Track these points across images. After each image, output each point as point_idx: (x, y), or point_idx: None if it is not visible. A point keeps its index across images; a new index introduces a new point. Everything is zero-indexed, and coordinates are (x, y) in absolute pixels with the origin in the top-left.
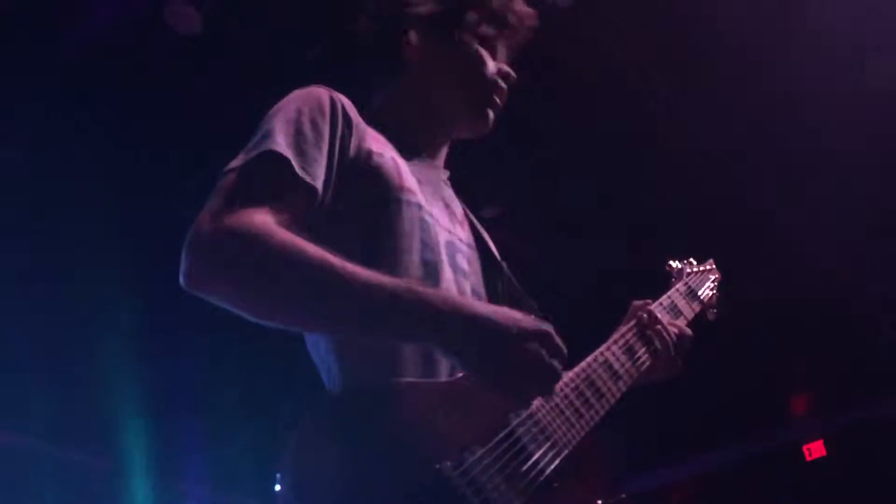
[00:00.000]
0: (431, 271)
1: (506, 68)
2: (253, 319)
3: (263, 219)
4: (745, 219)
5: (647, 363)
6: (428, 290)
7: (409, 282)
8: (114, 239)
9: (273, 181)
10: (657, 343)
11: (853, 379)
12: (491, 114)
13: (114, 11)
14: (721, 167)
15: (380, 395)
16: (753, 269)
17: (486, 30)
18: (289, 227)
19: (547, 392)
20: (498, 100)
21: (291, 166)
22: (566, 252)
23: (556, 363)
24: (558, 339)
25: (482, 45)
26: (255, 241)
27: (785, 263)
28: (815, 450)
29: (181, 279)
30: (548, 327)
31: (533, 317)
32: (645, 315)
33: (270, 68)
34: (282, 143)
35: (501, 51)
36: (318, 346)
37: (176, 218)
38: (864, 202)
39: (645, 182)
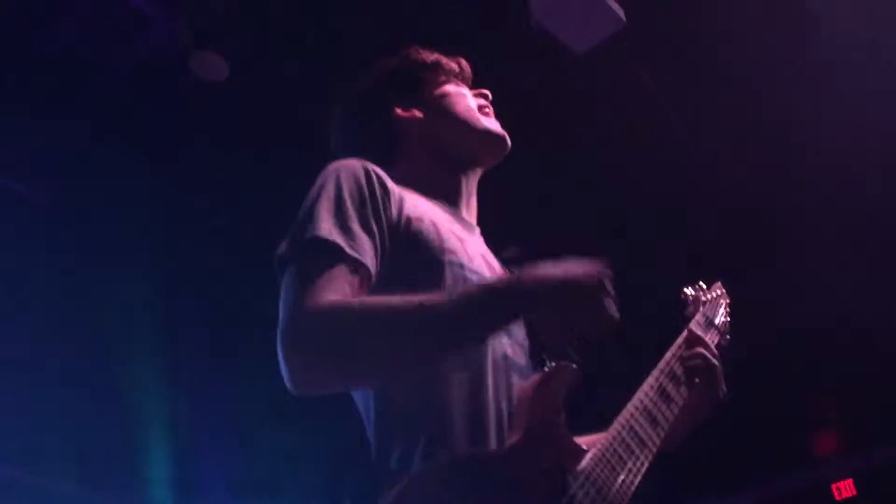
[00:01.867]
0: None
1: (479, 91)
2: (367, 386)
3: (337, 297)
4: (771, 254)
5: (683, 400)
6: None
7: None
8: (142, 281)
9: (330, 267)
10: (690, 377)
11: (883, 416)
12: (501, 132)
13: (141, 58)
14: (747, 200)
15: (452, 470)
16: (780, 304)
17: (444, 79)
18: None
19: (615, 317)
20: (494, 116)
21: (342, 249)
22: None
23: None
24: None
25: (454, 85)
26: (341, 314)
27: (812, 299)
28: (844, 489)
29: (289, 386)
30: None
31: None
32: (672, 356)
33: (296, 116)
34: (327, 229)
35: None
36: (382, 420)
37: (204, 259)
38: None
39: (667, 216)
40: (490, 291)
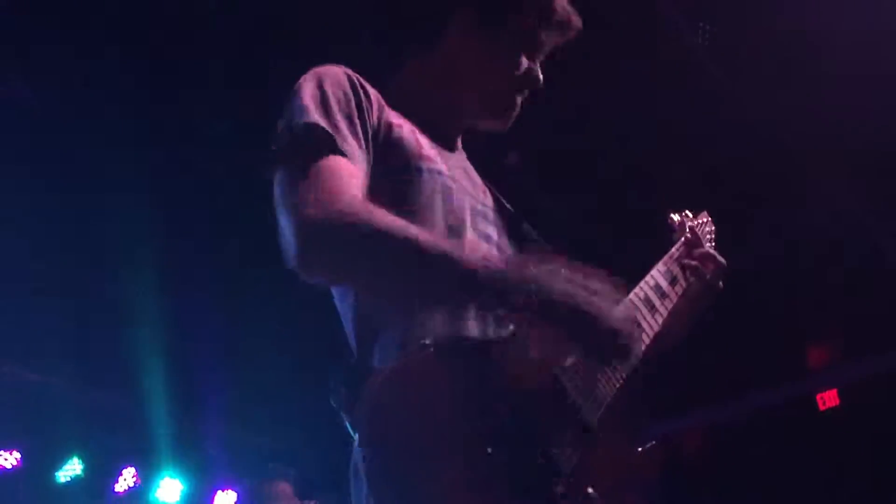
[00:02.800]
0: (455, 236)
1: (536, 75)
2: (353, 289)
3: (357, 198)
4: (768, 164)
5: (675, 298)
6: (534, 269)
7: (516, 259)
8: (136, 178)
9: (331, 158)
10: (682, 280)
11: (869, 329)
12: (511, 116)
13: None
14: (746, 112)
15: (446, 354)
16: (774, 217)
17: (533, 23)
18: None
19: (632, 360)
20: (519, 102)
21: (335, 141)
22: (585, 199)
23: (637, 335)
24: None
25: (524, 37)
26: (362, 224)
27: (806, 212)
28: (828, 399)
29: (292, 262)
30: (629, 308)
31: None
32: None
33: (297, 21)
34: (318, 122)
35: (541, 44)
36: (366, 302)
37: (198, 158)
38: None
39: (668, 126)
40: (518, 279)
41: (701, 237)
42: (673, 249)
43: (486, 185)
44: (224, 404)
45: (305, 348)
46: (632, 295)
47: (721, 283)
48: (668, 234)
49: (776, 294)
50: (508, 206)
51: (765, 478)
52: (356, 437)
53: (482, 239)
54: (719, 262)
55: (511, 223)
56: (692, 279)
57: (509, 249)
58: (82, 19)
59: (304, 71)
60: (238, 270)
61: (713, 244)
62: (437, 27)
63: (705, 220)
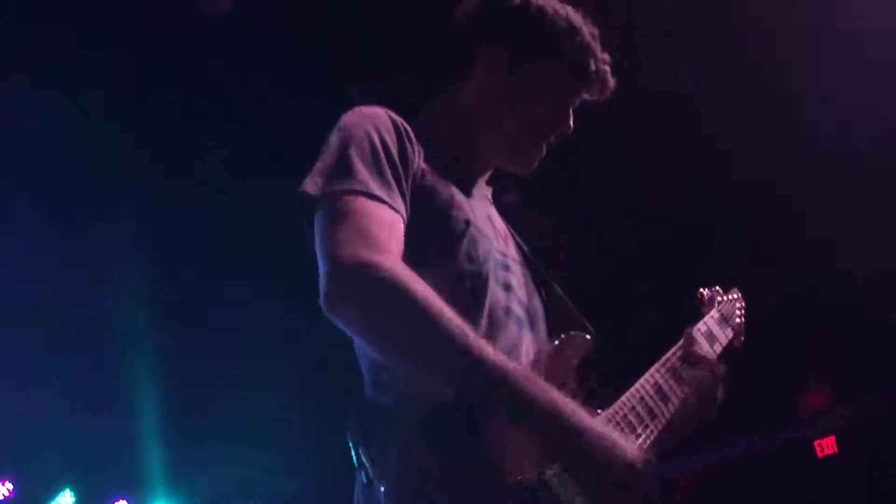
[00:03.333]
0: (478, 285)
1: (562, 123)
2: (369, 348)
3: (398, 261)
4: (767, 213)
5: (679, 401)
6: (553, 393)
7: (529, 370)
8: (131, 206)
9: (381, 215)
10: (686, 386)
11: (868, 376)
12: (533, 162)
13: None
14: (748, 164)
15: (468, 412)
16: (772, 262)
17: (564, 71)
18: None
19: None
20: (543, 149)
21: (385, 202)
22: (588, 240)
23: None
24: (649, 476)
25: (553, 84)
26: (399, 288)
27: (804, 259)
28: (826, 446)
29: (323, 301)
30: (645, 465)
31: (636, 447)
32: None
33: (297, 50)
34: (366, 181)
35: (572, 93)
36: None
37: (196, 185)
38: (890, 198)
39: (670, 176)
40: (536, 399)
41: (729, 314)
42: (669, 354)
43: (509, 231)
44: (216, 437)
45: (301, 381)
46: (618, 405)
47: (721, 394)
48: (697, 307)
49: (771, 339)
50: (529, 253)
51: None
52: (380, 485)
53: (503, 289)
54: (717, 371)
55: (531, 272)
56: (687, 393)
57: (528, 298)
58: (84, 43)
59: (317, 108)
60: (233, 302)
61: (742, 319)
62: (465, 67)
63: (735, 296)
